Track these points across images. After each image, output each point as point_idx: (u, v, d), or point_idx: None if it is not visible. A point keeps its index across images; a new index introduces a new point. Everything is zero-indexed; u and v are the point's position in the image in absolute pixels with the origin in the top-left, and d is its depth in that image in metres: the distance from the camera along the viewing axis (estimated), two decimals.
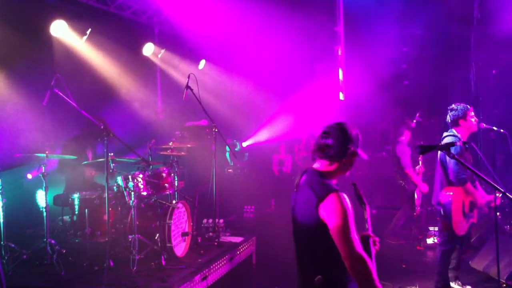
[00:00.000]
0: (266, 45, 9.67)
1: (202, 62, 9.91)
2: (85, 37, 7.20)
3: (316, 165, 2.76)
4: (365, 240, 2.74)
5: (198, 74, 6.53)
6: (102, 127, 4.82)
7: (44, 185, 5.11)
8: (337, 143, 2.68)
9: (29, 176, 5.91)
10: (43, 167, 5.11)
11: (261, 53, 9.72)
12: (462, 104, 4.89)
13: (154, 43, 8.91)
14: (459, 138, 4.75)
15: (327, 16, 10.90)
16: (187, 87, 6.04)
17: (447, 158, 4.72)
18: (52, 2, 6.94)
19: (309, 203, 2.61)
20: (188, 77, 6.10)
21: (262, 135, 10.65)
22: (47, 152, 5.07)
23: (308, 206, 2.62)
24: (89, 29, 7.17)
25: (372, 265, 2.52)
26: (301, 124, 10.48)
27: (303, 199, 2.69)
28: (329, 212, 2.53)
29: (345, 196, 2.58)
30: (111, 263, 4.80)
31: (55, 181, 5.72)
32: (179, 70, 9.30)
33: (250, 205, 9.21)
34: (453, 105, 4.91)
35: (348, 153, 2.68)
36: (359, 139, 2.75)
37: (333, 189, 2.58)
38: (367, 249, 2.66)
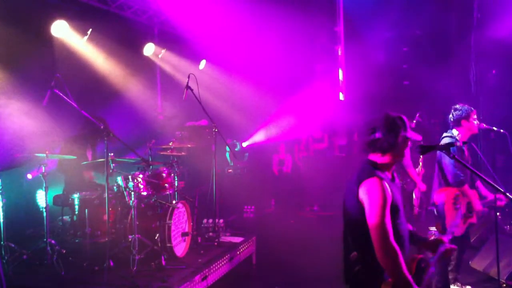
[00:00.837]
0: (266, 45, 9.66)
1: (203, 62, 9.90)
2: (85, 37, 7.20)
3: (370, 156, 2.80)
4: (436, 244, 2.82)
5: (198, 74, 6.52)
6: (102, 127, 4.83)
7: (44, 185, 5.10)
8: (387, 135, 2.70)
9: (29, 176, 5.91)
10: (43, 167, 5.10)
11: (261, 53, 9.72)
12: (466, 105, 4.94)
13: (155, 43, 8.91)
14: (456, 139, 4.78)
15: (327, 16, 10.90)
16: (187, 87, 6.04)
17: (446, 159, 4.73)
18: (53, 2, 6.93)
19: (352, 187, 2.67)
20: (188, 77, 6.10)
21: (262, 135, 10.64)
22: (47, 152, 5.05)
23: (351, 189, 2.69)
24: (90, 29, 7.17)
25: (402, 260, 2.49)
26: (301, 124, 10.48)
27: (350, 184, 2.77)
28: (366, 195, 2.57)
29: (387, 185, 2.58)
30: (111, 263, 4.81)
31: (55, 181, 5.71)
32: (179, 70, 9.29)
33: (250, 205, 9.20)
34: (457, 105, 4.95)
35: (400, 142, 2.71)
36: (406, 122, 2.76)
37: (375, 175, 2.61)
38: (434, 251, 2.78)
